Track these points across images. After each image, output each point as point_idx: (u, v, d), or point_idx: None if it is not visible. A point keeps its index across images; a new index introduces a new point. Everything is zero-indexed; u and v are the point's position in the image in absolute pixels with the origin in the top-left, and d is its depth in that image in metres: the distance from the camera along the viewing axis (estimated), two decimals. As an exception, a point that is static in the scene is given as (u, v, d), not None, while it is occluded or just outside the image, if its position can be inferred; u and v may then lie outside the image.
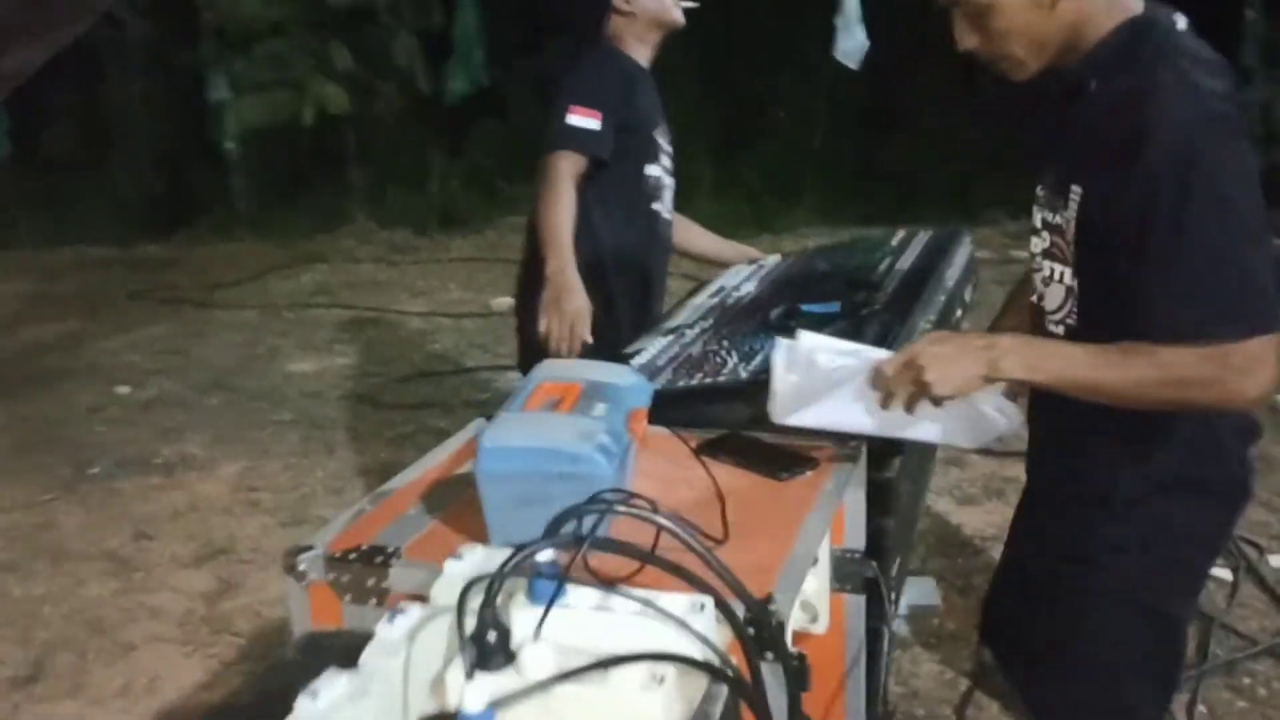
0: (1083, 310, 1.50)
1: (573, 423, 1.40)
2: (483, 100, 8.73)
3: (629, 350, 2.14)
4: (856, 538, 1.62)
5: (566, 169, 2.38)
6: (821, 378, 1.54)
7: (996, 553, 2.43)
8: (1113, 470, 1.53)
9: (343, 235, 8.21)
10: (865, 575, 1.58)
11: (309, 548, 1.41)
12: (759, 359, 1.88)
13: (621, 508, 1.21)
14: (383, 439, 4.23)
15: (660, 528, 1.16)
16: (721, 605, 1.06)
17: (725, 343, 2.02)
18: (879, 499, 1.64)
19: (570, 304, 2.26)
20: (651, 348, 2.11)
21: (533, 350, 2.48)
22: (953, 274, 2.26)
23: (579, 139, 2.37)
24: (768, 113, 8.81)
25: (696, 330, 2.18)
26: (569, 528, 1.18)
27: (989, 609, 1.81)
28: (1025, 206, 1.60)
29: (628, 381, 1.58)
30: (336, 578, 1.37)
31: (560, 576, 1.05)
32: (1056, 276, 1.53)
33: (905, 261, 2.33)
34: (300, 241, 8.03)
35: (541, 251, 2.34)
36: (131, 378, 5.16)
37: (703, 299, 2.46)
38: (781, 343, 1.58)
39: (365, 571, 1.37)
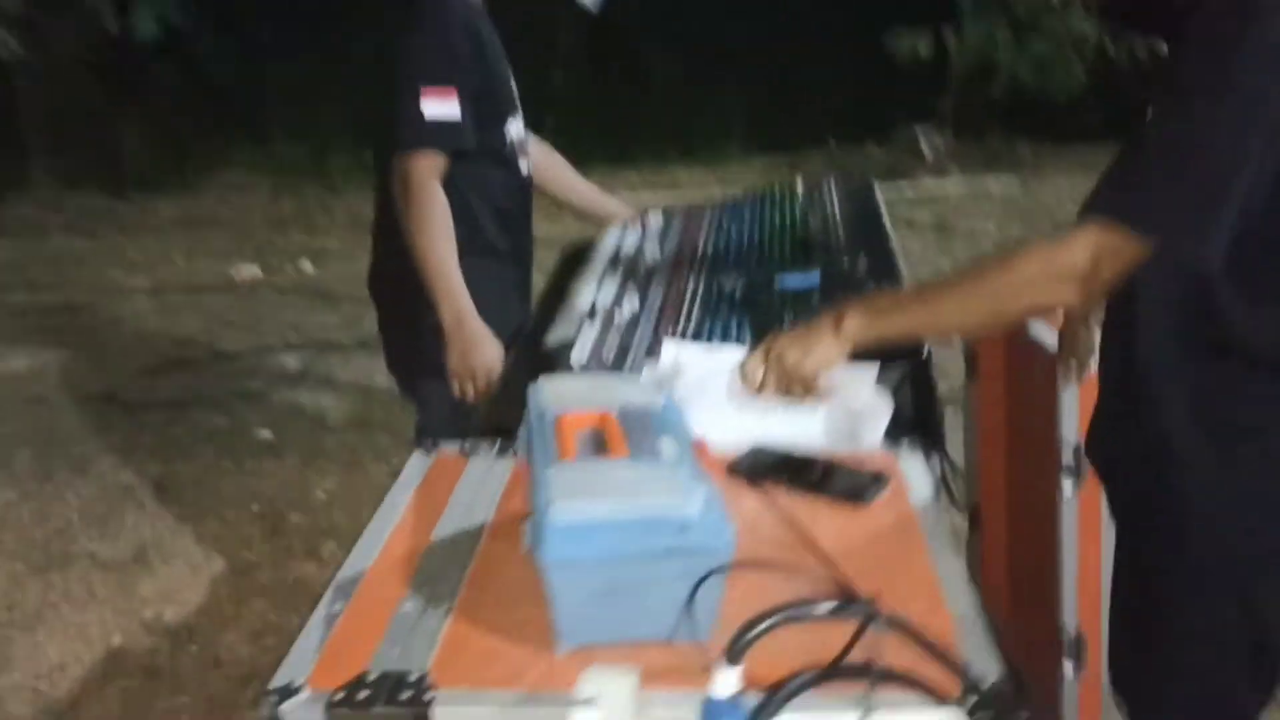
0: None
1: (650, 474, 1.03)
2: (174, 41, 7.72)
3: (551, 343, 1.76)
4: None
5: (429, 172, 1.95)
6: (694, 388, 1.43)
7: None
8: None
9: (20, 202, 7.01)
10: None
11: (289, 689, 0.98)
12: (732, 330, 1.57)
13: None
14: (146, 448, 3.54)
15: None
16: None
17: (684, 326, 1.69)
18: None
19: (480, 359, 1.95)
20: (584, 338, 1.74)
21: (413, 367, 2.14)
22: (892, 230, 2.04)
23: (440, 134, 1.94)
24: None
25: (627, 311, 1.83)
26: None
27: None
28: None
29: (657, 399, 1.22)
30: (353, 737, 0.95)
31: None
32: None
33: (839, 218, 2.08)
34: (-36, 212, 6.79)
35: (426, 286, 1.94)
36: None
37: (600, 267, 2.10)
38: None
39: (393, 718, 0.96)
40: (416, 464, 1.43)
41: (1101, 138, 7.11)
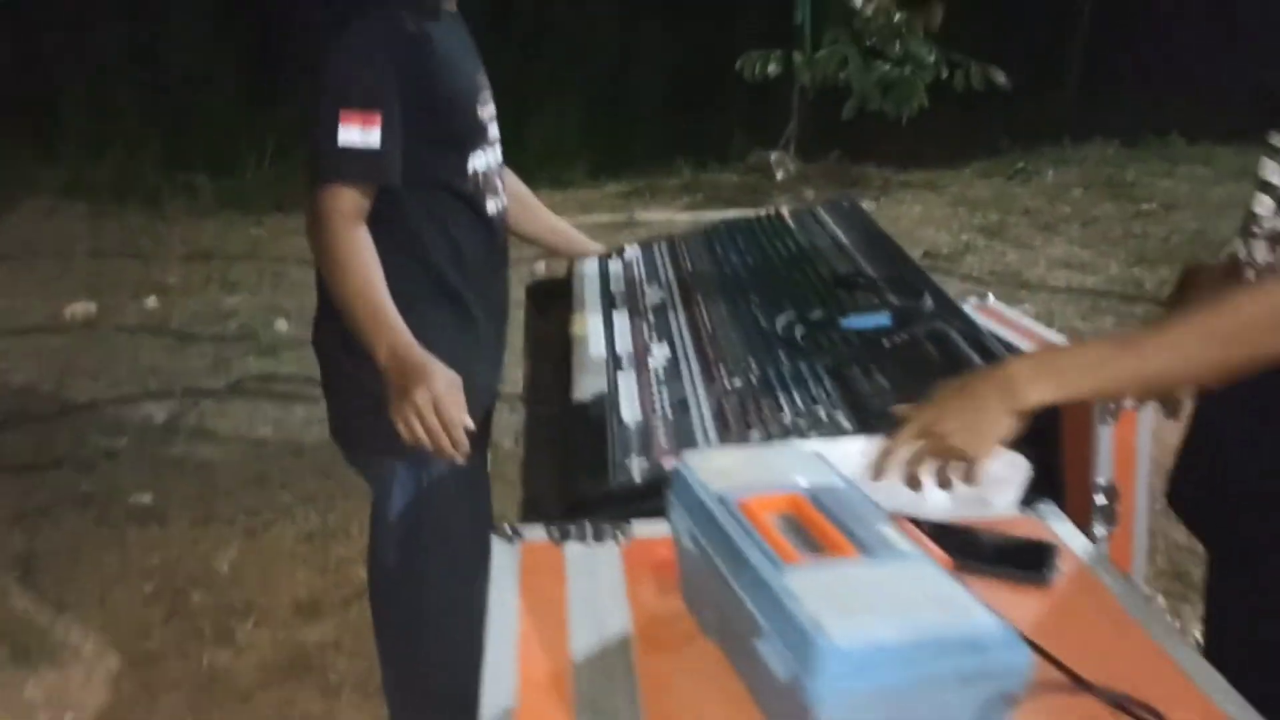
0: None
1: (913, 579, 0.88)
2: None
3: (584, 399, 1.58)
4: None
5: (347, 211, 1.66)
6: None
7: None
8: None
9: None
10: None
11: None
12: (821, 396, 1.43)
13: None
14: (4, 518, 3.09)
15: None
16: None
17: (736, 377, 1.53)
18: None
19: (426, 389, 1.58)
20: (626, 392, 1.57)
21: (364, 439, 1.82)
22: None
23: (355, 166, 1.65)
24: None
25: (660, 358, 1.66)
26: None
27: None
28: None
29: (832, 474, 1.07)
30: None
31: None
32: None
33: (854, 245, 1.97)
34: None
35: (355, 331, 1.65)
36: None
37: (593, 306, 1.92)
38: None
39: None
40: (503, 557, 1.22)
41: (942, 161, 7.46)
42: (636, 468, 1.37)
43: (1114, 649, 1.03)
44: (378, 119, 1.64)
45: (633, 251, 2.19)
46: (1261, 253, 1.29)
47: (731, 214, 6.67)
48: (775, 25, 7.12)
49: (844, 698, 0.80)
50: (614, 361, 1.70)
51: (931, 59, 6.81)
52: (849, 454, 1.19)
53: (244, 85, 8.06)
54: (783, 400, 1.45)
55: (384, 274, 1.67)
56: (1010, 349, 1.56)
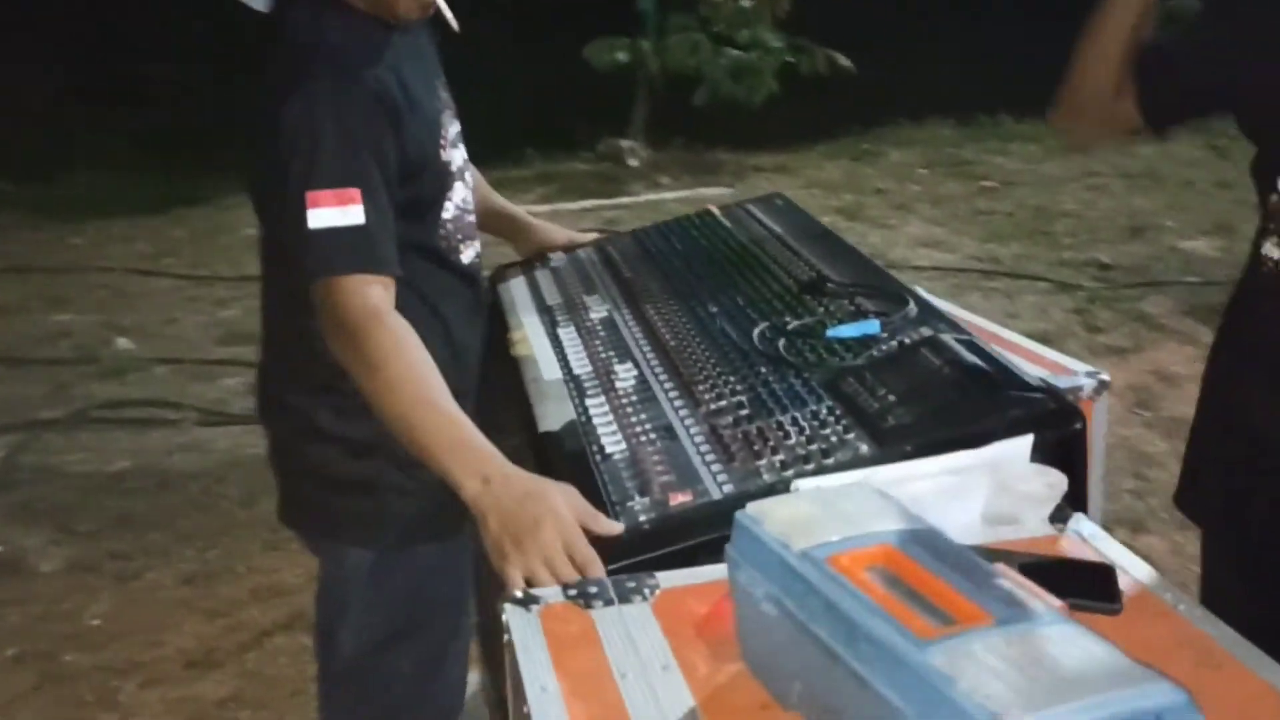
0: None
1: (1073, 646, 0.79)
2: None
3: (557, 432, 1.45)
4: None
5: (365, 305, 1.31)
6: None
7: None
8: None
9: None
10: None
11: None
12: (826, 416, 1.34)
13: None
14: None
15: None
16: None
17: (721, 398, 1.43)
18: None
19: (552, 528, 1.15)
20: (600, 423, 1.44)
21: (321, 521, 1.60)
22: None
23: (355, 251, 1.32)
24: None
25: (629, 381, 1.54)
26: None
27: None
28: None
29: (906, 514, 0.98)
30: None
31: None
32: None
33: (803, 245, 1.88)
34: None
35: (419, 453, 1.27)
36: None
37: (536, 325, 1.78)
38: None
39: None
40: (524, 628, 1.07)
41: (791, 144, 7.53)
42: (641, 510, 1.25)
43: (1206, 678, 0.97)
44: (358, 196, 1.32)
45: (559, 259, 2.05)
46: None
47: (590, 204, 6.68)
48: (620, 12, 7.02)
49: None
50: (575, 385, 1.56)
51: (779, 45, 6.86)
52: (905, 487, 1.10)
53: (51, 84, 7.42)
54: (784, 423, 1.35)
55: (321, 350, 1.43)
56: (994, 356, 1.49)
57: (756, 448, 1.31)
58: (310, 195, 1.29)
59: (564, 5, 7.83)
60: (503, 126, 7.69)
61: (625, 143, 7.12)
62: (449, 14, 1.57)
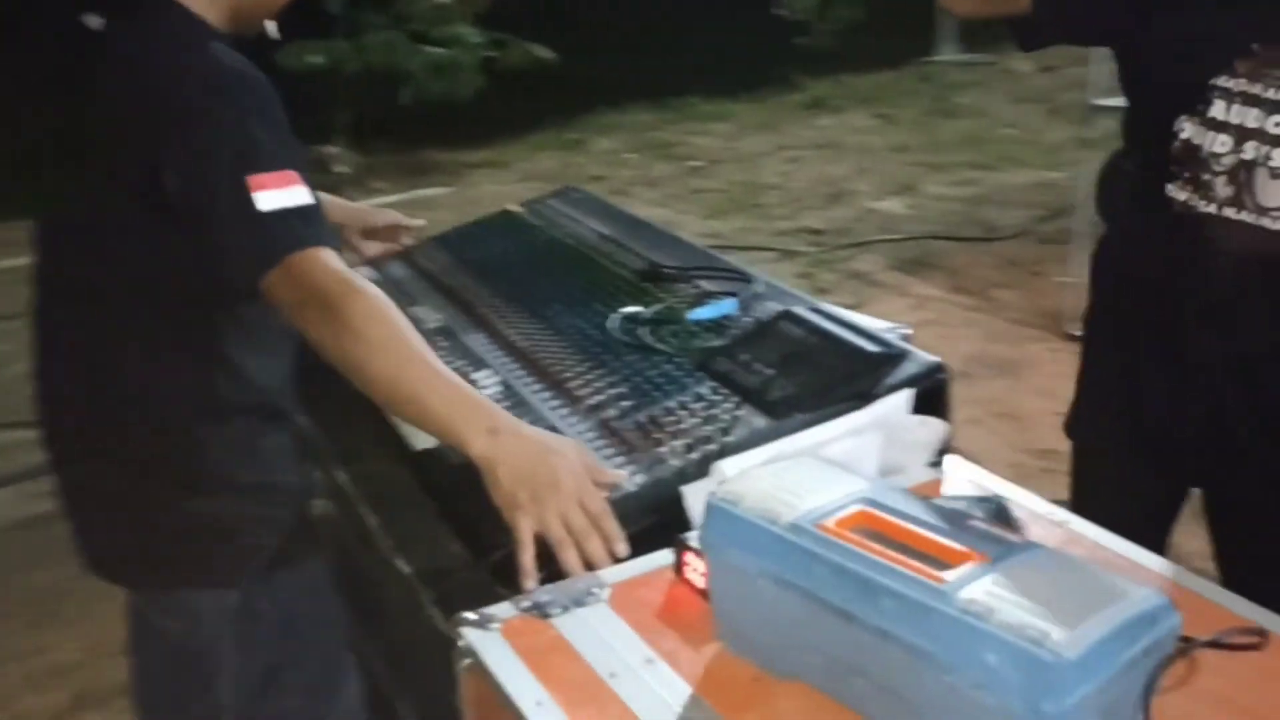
0: None
1: (1062, 572, 0.88)
2: None
3: (421, 448, 1.40)
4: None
5: (346, 271, 1.24)
6: None
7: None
8: None
9: None
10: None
11: None
12: (711, 396, 1.39)
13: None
14: None
15: None
16: None
17: (597, 393, 1.44)
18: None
19: (569, 477, 1.15)
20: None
21: (168, 550, 1.43)
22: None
23: (313, 225, 1.24)
24: None
25: (491, 388, 1.51)
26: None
27: None
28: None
29: (851, 474, 1.04)
30: None
31: None
32: None
33: (619, 234, 1.91)
34: None
35: (420, 419, 1.22)
36: None
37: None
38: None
39: None
40: (494, 650, 1.04)
41: (502, 138, 7.52)
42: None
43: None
44: (298, 178, 1.25)
45: (368, 272, 1.97)
46: (1221, 188, 1.39)
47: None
48: (310, 15, 6.73)
49: (1075, 707, 0.77)
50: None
51: (478, 40, 6.83)
52: (830, 449, 1.16)
53: None
54: (672, 408, 1.38)
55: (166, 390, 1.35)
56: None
57: (656, 436, 1.33)
58: (253, 180, 1.21)
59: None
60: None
61: (330, 149, 6.84)
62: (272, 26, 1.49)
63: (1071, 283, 4.06)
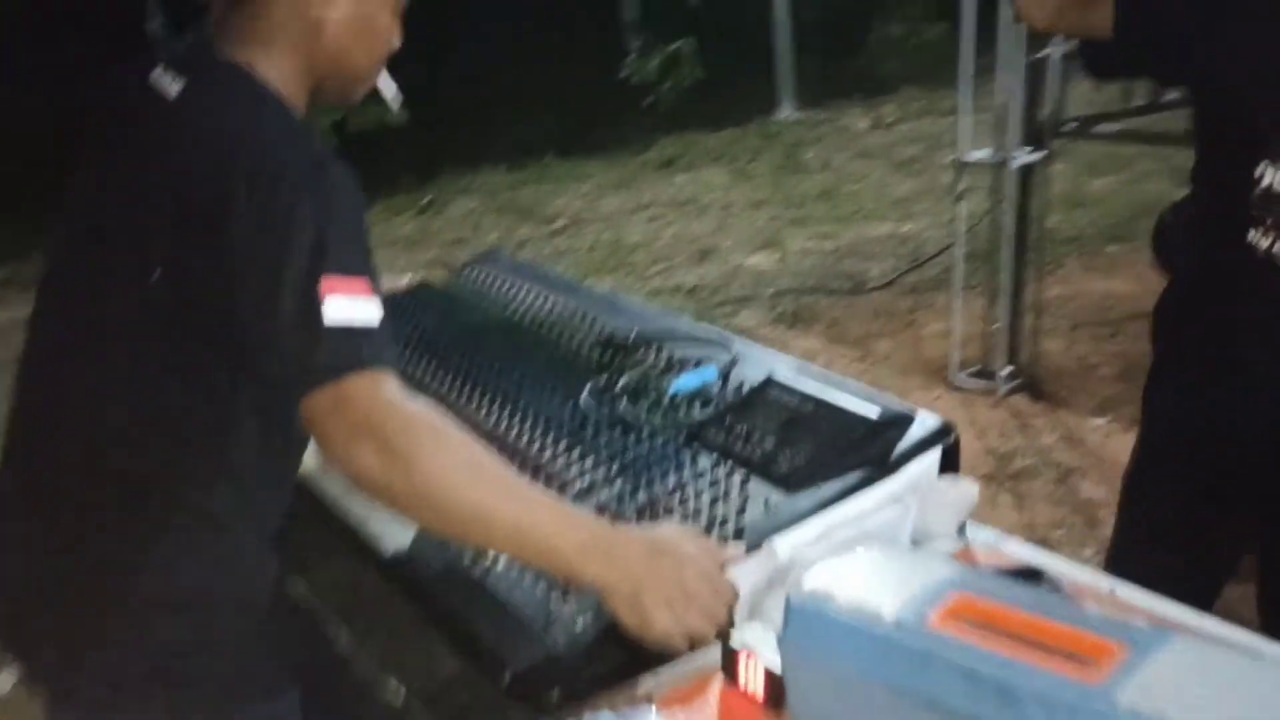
0: None
1: (1215, 661, 0.80)
2: None
3: (395, 552, 1.25)
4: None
5: (402, 394, 1.05)
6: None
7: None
8: None
9: None
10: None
11: None
12: (713, 470, 1.28)
13: None
14: None
15: None
16: None
17: (585, 474, 1.31)
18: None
19: (690, 568, 1.04)
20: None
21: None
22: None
23: (375, 344, 1.06)
24: None
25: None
26: None
27: None
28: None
29: (938, 558, 0.95)
30: None
31: None
32: None
33: (566, 300, 1.78)
34: None
35: (519, 551, 1.06)
36: None
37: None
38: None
39: None
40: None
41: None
42: (572, 623, 1.10)
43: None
44: (368, 286, 1.07)
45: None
46: None
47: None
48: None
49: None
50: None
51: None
52: (857, 525, 1.07)
53: None
54: (673, 487, 1.26)
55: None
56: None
57: (663, 518, 1.21)
58: (325, 283, 1.03)
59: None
60: None
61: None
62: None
63: (950, 332, 4.15)
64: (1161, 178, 6.62)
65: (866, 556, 0.94)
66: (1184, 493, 1.52)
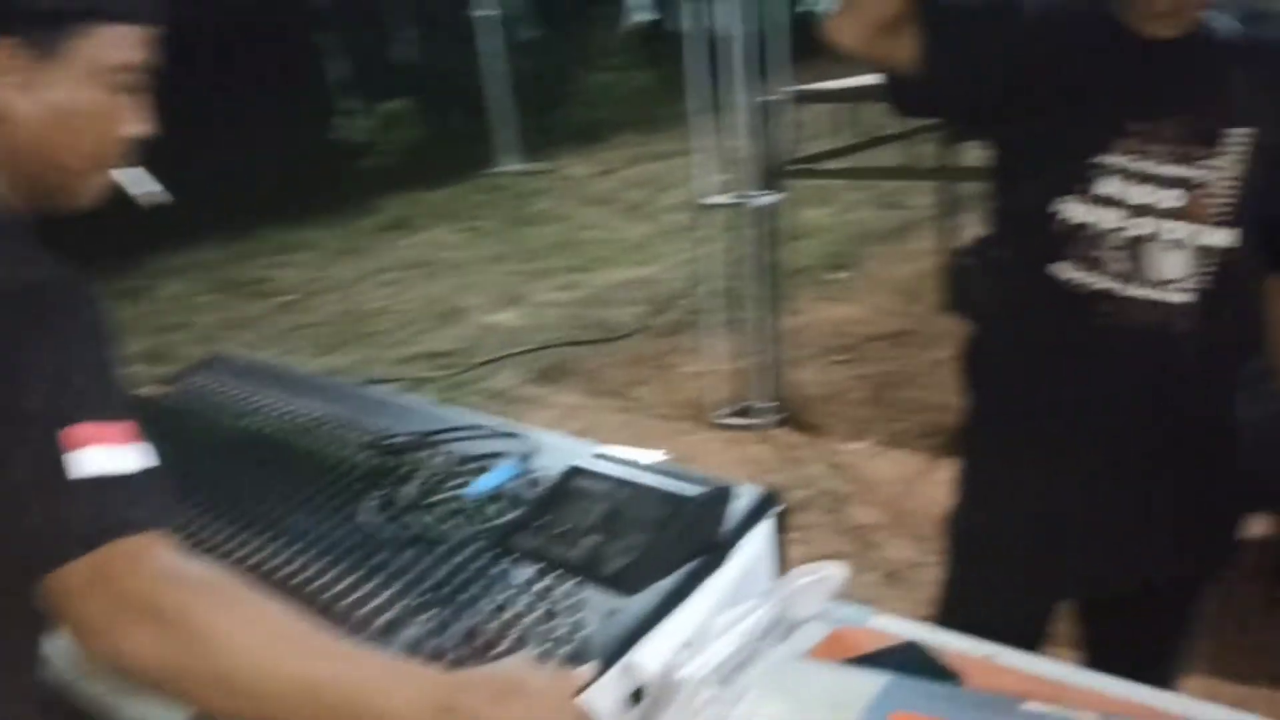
0: (1222, 274, 1.36)
1: None
2: None
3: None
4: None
5: (175, 559, 0.85)
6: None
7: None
8: None
9: None
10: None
11: None
12: (530, 581, 1.15)
13: None
14: None
15: None
16: None
17: (387, 609, 1.14)
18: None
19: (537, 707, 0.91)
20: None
21: None
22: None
23: (136, 503, 0.85)
24: None
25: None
26: None
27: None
28: None
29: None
30: None
31: None
32: (1185, 239, 1.35)
33: (314, 403, 1.58)
34: None
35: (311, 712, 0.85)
36: None
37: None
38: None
39: None
40: None
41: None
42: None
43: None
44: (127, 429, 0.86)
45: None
46: (1114, 264, 1.36)
47: None
48: None
49: None
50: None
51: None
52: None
53: None
54: (495, 606, 1.11)
55: None
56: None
57: (494, 646, 1.06)
58: (67, 434, 0.83)
59: None
60: None
61: None
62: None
63: (706, 372, 4.19)
64: (869, 206, 7.08)
65: (777, 683, 0.83)
66: (1014, 535, 1.50)
